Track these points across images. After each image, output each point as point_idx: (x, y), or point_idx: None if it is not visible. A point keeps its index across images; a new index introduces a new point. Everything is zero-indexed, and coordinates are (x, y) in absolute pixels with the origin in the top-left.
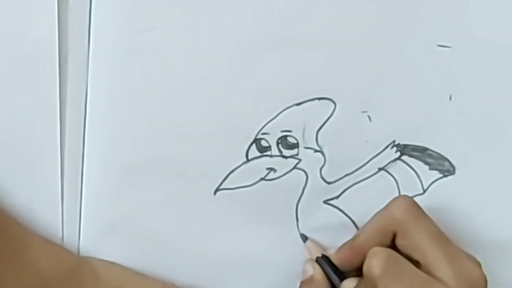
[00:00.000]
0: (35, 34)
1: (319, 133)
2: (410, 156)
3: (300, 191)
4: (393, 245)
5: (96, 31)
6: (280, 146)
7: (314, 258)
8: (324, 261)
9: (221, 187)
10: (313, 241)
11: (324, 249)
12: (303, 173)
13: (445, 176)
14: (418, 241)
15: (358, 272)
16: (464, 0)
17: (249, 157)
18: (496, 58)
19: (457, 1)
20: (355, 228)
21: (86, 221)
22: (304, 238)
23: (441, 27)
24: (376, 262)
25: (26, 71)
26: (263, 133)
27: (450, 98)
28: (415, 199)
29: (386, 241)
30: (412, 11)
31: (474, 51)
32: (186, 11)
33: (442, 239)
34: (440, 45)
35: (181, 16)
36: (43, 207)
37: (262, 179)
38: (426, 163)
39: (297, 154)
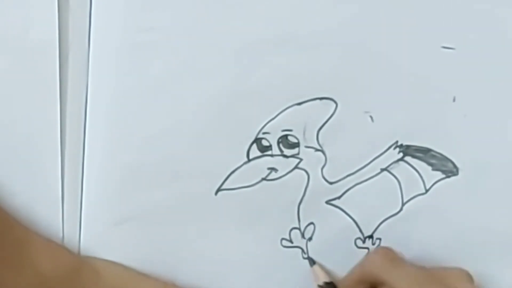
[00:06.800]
0: (35, 34)
1: (320, 132)
2: (413, 157)
3: (302, 191)
4: None
5: (96, 31)
6: (281, 145)
7: (321, 283)
8: None
9: (222, 187)
10: (321, 265)
11: (330, 274)
12: (304, 173)
13: (448, 177)
14: None
15: None
16: (468, 2)
17: (250, 157)
18: (499, 60)
19: (461, 3)
20: (357, 229)
21: (87, 221)
22: (312, 262)
23: (445, 28)
24: None
25: (26, 71)
26: (264, 133)
27: (454, 100)
28: (417, 198)
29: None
30: (416, 12)
31: (478, 52)
32: (186, 11)
33: (423, 281)
34: (444, 47)
35: (181, 15)
36: (44, 207)
37: (263, 179)
38: (429, 163)
39: (298, 154)
